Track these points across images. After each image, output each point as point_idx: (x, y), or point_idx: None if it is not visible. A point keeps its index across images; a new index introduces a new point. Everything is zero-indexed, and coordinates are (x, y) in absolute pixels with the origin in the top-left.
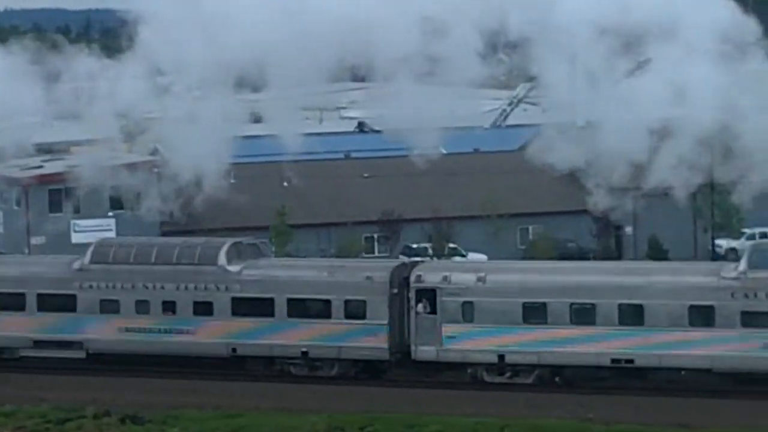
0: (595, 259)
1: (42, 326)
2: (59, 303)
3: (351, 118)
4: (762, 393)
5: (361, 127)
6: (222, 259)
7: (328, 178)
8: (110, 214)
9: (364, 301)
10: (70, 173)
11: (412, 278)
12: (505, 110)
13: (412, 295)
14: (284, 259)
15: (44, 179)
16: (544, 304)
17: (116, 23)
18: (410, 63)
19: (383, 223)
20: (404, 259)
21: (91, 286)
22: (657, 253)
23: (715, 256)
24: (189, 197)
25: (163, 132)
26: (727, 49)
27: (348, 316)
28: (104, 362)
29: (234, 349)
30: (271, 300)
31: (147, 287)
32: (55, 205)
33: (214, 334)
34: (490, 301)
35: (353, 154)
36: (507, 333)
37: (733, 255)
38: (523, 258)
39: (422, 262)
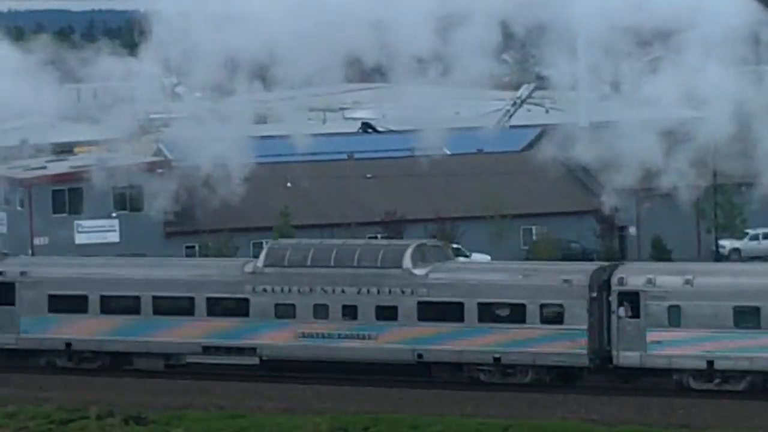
0: (598, 260)
1: (212, 331)
2: (231, 307)
3: (354, 119)
4: (762, 393)
5: (365, 127)
6: (407, 261)
7: (331, 179)
8: (114, 215)
9: (561, 305)
10: (77, 173)
11: (614, 281)
12: (508, 111)
13: (613, 298)
14: (473, 262)
15: (49, 180)
16: (757, 308)
17: (120, 23)
18: (422, 62)
19: (386, 223)
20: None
21: (265, 290)
22: (660, 253)
23: (718, 257)
24: (205, 197)
25: (176, 132)
26: (744, 50)
27: (544, 320)
28: (278, 369)
29: (420, 355)
30: (461, 304)
31: (326, 291)
32: (58, 206)
33: (399, 339)
34: (699, 304)
35: (356, 155)
36: (717, 338)
37: (736, 255)
38: (527, 259)
39: (623, 264)
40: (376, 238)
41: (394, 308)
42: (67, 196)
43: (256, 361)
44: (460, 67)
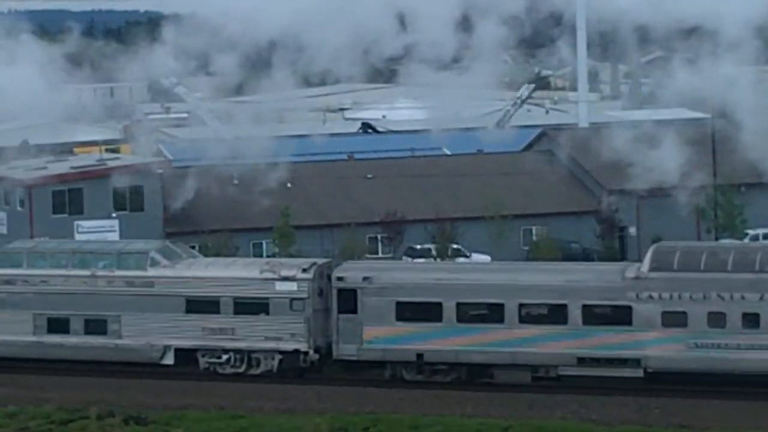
0: (599, 260)
1: (589, 342)
2: (610, 315)
3: (354, 119)
4: (762, 393)
5: (365, 127)
6: None
7: (331, 179)
8: (114, 215)
9: None
10: (77, 174)
11: None
12: (508, 111)
13: None
14: None
15: (49, 180)
16: None
17: (120, 23)
18: (437, 60)
19: (386, 224)
20: None
21: (650, 297)
22: None
23: None
24: (205, 197)
25: (179, 132)
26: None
27: None
28: (665, 381)
29: None
30: None
31: (722, 298)
32: (58, 206)
33: None
34: None
35: (357, 155)
36: None
37: None
38: (527, 260)
39: None
40: (376, 238)
41: None
42: (67, 196)
43: (640, 373)
44: (473, 65)
